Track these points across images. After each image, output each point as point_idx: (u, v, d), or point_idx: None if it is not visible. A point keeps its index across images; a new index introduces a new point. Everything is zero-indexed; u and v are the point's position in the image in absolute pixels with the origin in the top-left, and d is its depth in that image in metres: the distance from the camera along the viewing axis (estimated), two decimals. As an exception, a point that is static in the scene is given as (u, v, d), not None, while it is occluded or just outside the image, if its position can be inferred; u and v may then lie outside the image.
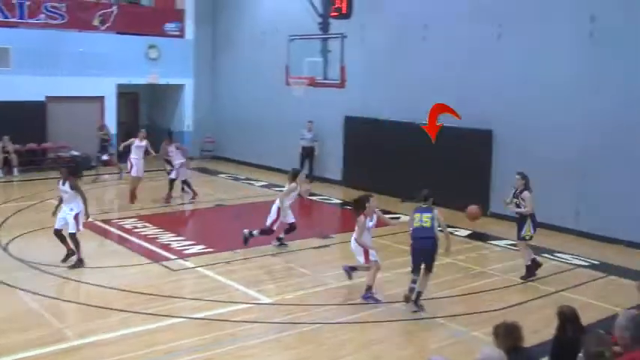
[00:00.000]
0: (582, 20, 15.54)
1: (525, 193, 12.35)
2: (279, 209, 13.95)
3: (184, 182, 18.93)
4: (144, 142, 18.46)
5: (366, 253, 11.27)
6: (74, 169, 13.30)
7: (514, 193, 12.67)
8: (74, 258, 12.60)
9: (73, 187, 12.56)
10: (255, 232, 13.98)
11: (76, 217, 12.48)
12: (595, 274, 12.99)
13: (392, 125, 20.02)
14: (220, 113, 27.83)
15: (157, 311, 10.35)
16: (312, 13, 18.32)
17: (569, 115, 15.93)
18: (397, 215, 17.02)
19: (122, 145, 19.80)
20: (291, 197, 14.26)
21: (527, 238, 12.46)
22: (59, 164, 13.04)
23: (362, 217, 11.20)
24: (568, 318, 7.16)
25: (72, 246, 12.63)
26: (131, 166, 18.30)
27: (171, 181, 18.73)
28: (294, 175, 14.30)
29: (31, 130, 22.77)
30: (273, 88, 22.56)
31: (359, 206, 11.29)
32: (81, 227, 12.67)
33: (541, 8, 16.47)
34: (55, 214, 12.86)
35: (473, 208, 13.00)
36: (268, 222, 13.98)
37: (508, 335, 6.25)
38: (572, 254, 14.29)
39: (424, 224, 10.75)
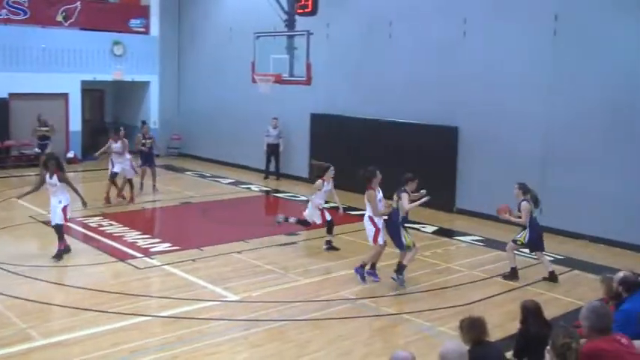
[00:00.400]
0: (546, 19, 15.71)
1: (523, 204, 12.23)
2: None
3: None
4: (119, 143, 18.14)
5: (376, 234, 11.82)
6: (60, 163, 13.31)
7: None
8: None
9: (62, 180, 12.80)
10: (291, 219, 14.06)
11: (64, 209, 12.83)
12: (560, 268, 13.12)
13: (358, 122, 20.08)
14: (187, 110, 27.69)
15: (123, 310, 10.28)
16: (278, 9, 18.28)
17: (533, 112, 16.11)
18: (363, 212, 17.06)
19: (99, 152, 19.35)
20: (320, 196, 13.90)
21: (518, 242, 12.40)
22: (48, 158, 13.08)
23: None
24: (531, 312, 7.27)
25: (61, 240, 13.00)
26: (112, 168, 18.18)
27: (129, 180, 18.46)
28: (319, 171, 14.00)
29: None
30: (240, 84, 22.50)
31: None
32: (69, 217, 13.23)
33: (506, 6, 16.63)
34: (20, 198, 13.62)
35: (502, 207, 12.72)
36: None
37: (473, 329, 6.38)
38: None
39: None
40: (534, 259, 13.52)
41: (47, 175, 12.83)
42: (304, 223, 14.12)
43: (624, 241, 14.67)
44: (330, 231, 14.12)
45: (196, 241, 14.38)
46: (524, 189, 12.31)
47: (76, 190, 13.26)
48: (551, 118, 15.83)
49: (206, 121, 26.29)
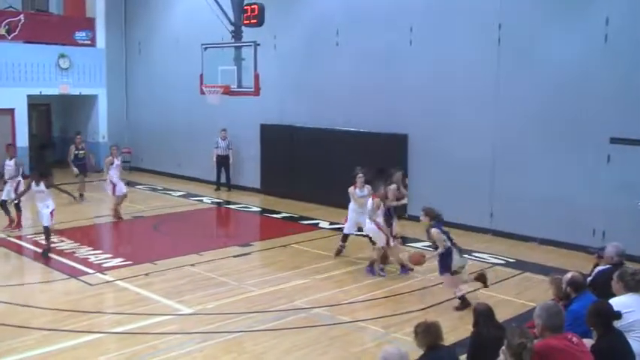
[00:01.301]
0: (491, 27, 15.99)
1: (432, 231, 11.50)
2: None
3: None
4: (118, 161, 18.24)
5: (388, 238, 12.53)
6: (46, 171, 15.23)
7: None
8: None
9: (49, 186, 14.55)
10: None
11: (51, 213, 14.31)
12: (511, 271, 13.38)
13: (308, 131, 20.16)
14: (136, 123, 27.45)
15: (77, 327, 10.16)
16: (225, 21, 18.26)
17: (480, 118, 16.39)
18: (316, 221, 17.20)
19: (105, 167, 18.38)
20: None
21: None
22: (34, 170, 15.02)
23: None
24: (483, 315, 7.40)
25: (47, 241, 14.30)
26: (113, 186, 17.84)
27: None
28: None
29: None
30: (188, 96, 22.43)
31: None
32: (53, 221, 14.71)
33: (452, 14, 16.86)
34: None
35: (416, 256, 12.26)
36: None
37: (428, 334, 6.46)
38: (488, 253, 14.68)
39: None
40: (486, 262, 13.75)
41: (34, 184, 14.44)
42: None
43: (571, 242, 14.97)
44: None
45: (149, 255, 14.27)
46: (431, 214, 11.69)
47: (65, 191, 16.48)
48: (498, 125, 16.11)
49: (155, 134, 26.10)
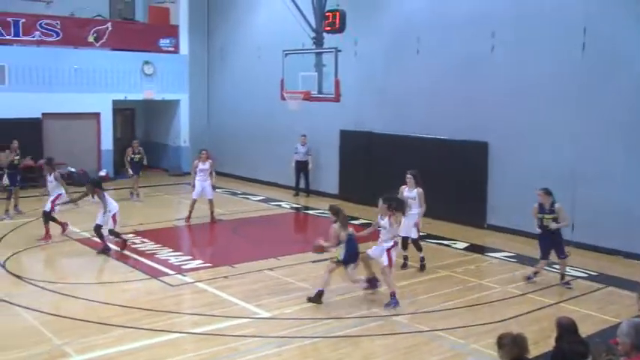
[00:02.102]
0: (575, 32, 15.61)
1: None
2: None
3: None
4: (207, 164, 18.39)
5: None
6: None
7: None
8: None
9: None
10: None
11: (113, 217, 14.78)
12: (593, 285, 13.01)
13: (387, 138, 20.09)
14: (216, 128, 27.87)
15: (156, 326, 10.34)
16: (306, 28, 18.39)
17: (563, 126, 15.99)
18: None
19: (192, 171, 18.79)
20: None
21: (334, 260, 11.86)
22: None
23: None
24: (566, 329, 7.16)
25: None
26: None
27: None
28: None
29: (28, 146, 22.70)
30: (269, 102, 22.67)
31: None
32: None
33: (535, 20, 16.54)
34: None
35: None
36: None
37: (514, 346, 6.16)
38: (570, 266, 14.25)
39: None
40: (567, 275, 13.40)
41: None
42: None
43: (658, 256, 14.50)
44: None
45: (228, 258, 14.43)
46: (334, 210, 11.95)
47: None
48: (581, 132, 15.66)
49: (236, 139, 26.42)
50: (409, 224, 13.47)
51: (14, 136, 20.49)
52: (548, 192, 12.84)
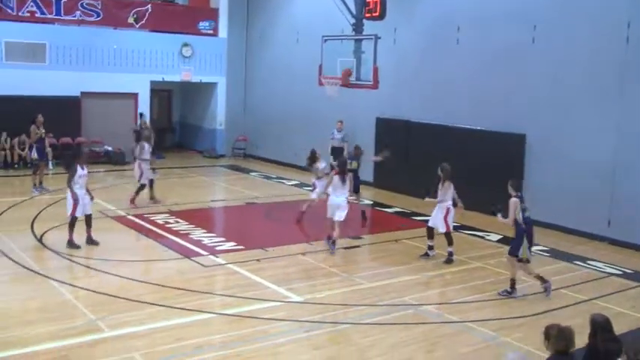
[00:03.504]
0: (619, 25, 15.36)
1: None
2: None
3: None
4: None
5: None
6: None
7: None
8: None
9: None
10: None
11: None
12: (628, 283, 12.83)
13: (423, 127, 19.99)
14: (253, 112, 27.94)
15: (188, 306, 10.42)
16: (346, 13, 18.32)
17: (602, 119, 15.75)
18: (428, 217, 17.01)
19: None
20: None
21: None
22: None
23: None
24: (601, 326, 7.03)
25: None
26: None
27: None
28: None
29: (66, 124, 23.02)
30: (306, 87, 22.61)
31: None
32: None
33: (577, 12, 16.30)
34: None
35: None
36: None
37: (561, 339, 6.14)
38: (604, 262, 14.13)
39: None
40: (601, 271, 13.28)
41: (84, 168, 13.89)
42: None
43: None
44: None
45: (261, 241, 14.49)
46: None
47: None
48: (621, 126, 15.44)
49: (272, 123, 26.45)
50: (438, 216, 13.44)
51: (53, 113, 20.85)
52: None
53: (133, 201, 17.29)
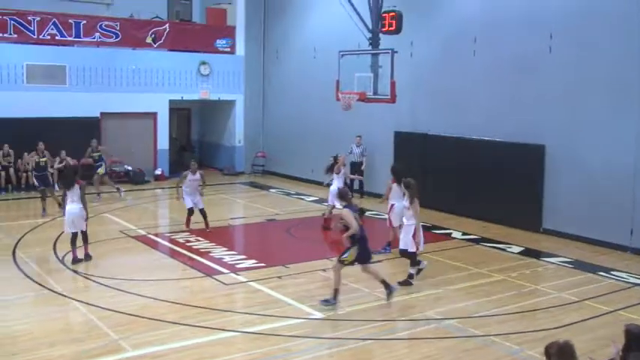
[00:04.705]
0: (635, 33, 15.28)
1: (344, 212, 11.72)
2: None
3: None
4: (197, 175, 17.06)
5: None
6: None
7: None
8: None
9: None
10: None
11: None
12: (653, 293, 12.71)
13: (441, 140, 19.95)
14: (271, 128, 28.03)
15: (210, 324, 10.43)
16: (362, 28, 18.37)
17: (623, 128, 15.62)
18: (448, 231, 16.96)
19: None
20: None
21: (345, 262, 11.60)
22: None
23: None
24: (636, 337, 6.83)
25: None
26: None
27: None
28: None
29: (86, 145, 23.21)
30: (324, 102, 22.67)
31: None
32: None
33: (594, 20, 16.22)
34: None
35: None
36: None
37: (562, 355, 5.98)
38: (628, 272, 13.99)
39: None
40: (625, 282, 13.16)
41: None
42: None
43: None
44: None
45: (282, 258, 14.49)
46: (342, 195, 12.04)
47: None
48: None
49: (290, 139, 26.52)
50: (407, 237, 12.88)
51: (74, 134, 21.09)
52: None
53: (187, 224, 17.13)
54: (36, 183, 19.14)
